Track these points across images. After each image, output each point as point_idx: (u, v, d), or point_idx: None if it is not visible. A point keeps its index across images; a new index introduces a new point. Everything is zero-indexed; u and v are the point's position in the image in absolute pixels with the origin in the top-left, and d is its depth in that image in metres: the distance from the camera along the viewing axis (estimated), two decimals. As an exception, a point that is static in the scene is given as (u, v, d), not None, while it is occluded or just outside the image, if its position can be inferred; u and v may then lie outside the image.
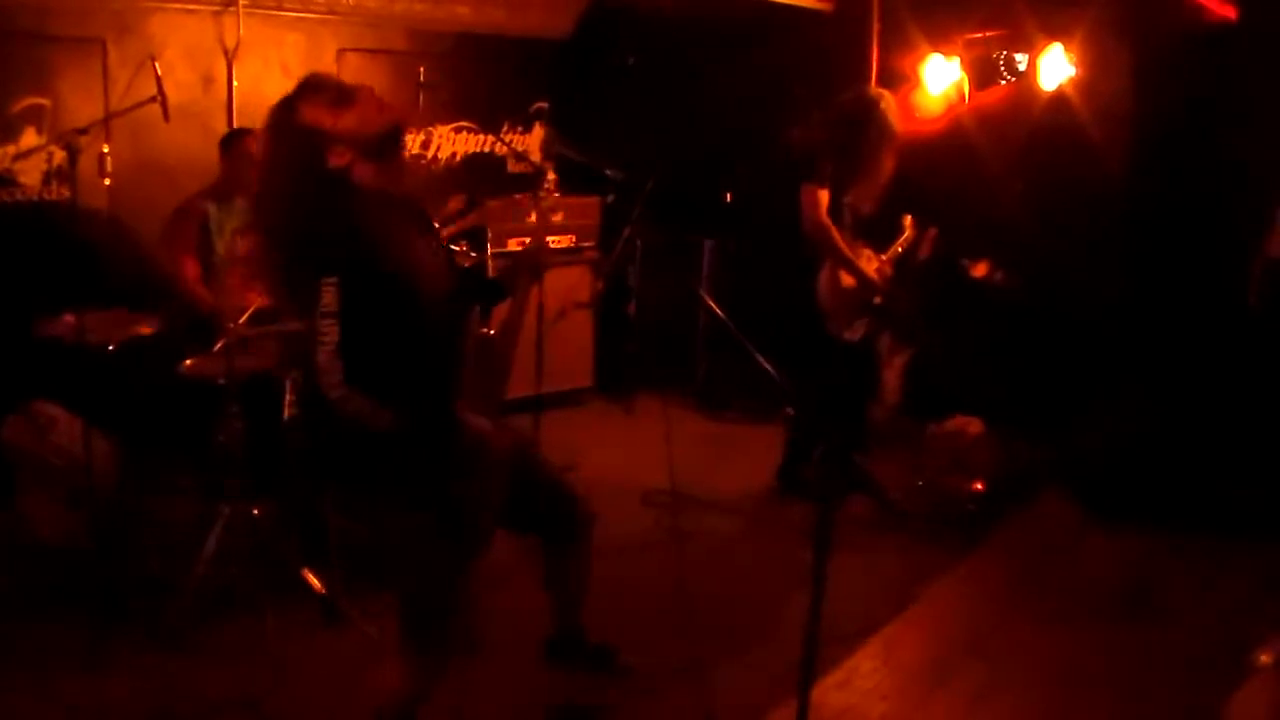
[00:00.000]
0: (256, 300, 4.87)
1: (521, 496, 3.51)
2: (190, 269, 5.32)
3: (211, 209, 5.41)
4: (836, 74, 6.54)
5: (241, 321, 4.68)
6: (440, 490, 3.15)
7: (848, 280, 5.61)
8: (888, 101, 5.61)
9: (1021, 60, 6.34)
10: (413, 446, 3.10)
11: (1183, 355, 6.23)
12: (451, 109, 7.57)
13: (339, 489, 3.61)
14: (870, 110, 5.56)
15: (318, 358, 2.93)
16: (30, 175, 5.83)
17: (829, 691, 4.19)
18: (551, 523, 3.75)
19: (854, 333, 5.75)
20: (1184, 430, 5.91)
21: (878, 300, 5.76)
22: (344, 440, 3.15)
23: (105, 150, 5.47)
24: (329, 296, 2.91)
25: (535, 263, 3.76)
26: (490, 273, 3.71)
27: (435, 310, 3.19)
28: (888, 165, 5.65)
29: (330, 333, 2.92)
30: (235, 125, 6.17)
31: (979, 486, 6.00)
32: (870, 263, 5.70)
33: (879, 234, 5.85)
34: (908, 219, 5.92)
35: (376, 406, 3.00)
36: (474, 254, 3.81)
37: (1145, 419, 6.04)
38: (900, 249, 5.87)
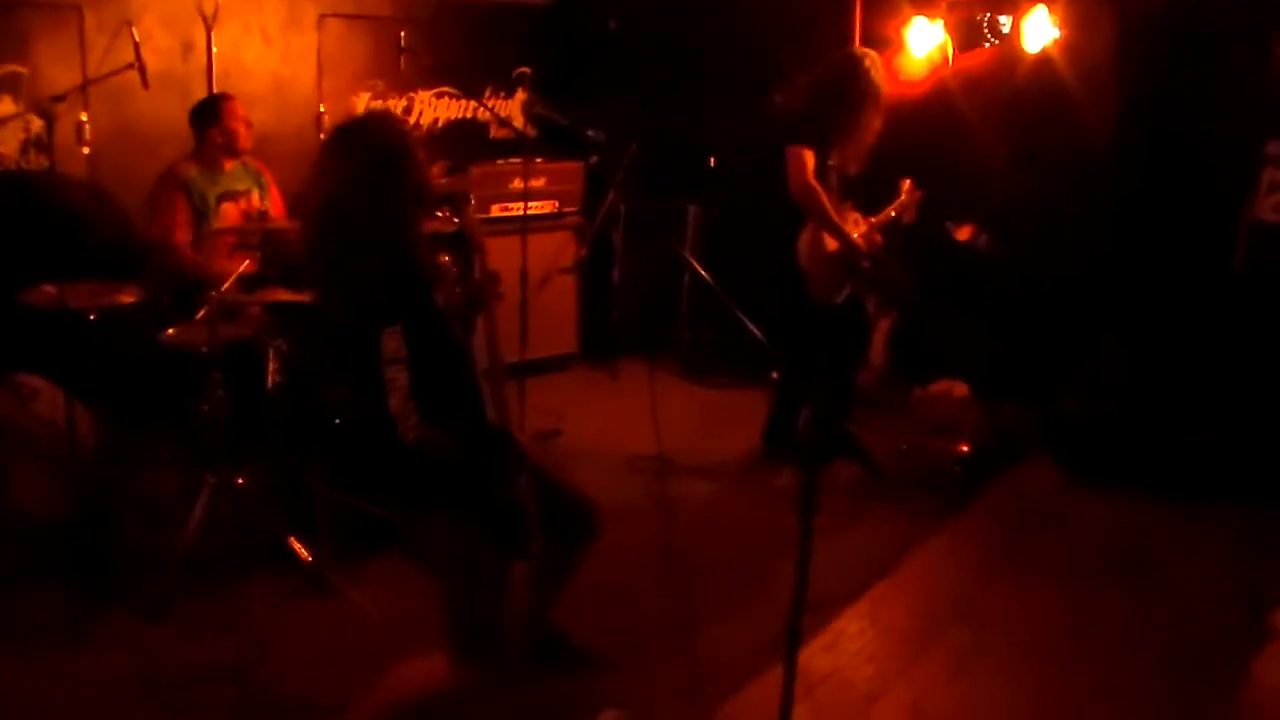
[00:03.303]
0: (240, 267, 4.86)
1: (542, 494, 3.53)
2: (181, 235, 5.28)
3: (194, 175, 5.37)
4: (820, 37, 6.50)
5: (225, 289, 4.66)
6: (493, 496, 3.28)
7: (831, 244, 5.59)
8: (872, 60, 5.57)
9: (1005, 22, 6.32)
10: (471, 462, 3.24)
11: (1168, 318, 6.24)
12: (433, 74, 7.51)
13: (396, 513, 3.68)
14: (855, 69, 5.52)
15: (391, 404, 3.06)
16: (7, 144, 5.76)
17: (816, 654, 4.21)
18: (565, 519, 3.71)
19: (837, 296, 5.72)
20: (1169, 393, 5.93)
21: (864, 264, 5.73)
22: (403, 466, 3.24)
23: (83, 118, 5.45)
24: (394, 344, 3.04)
25: (482, 296, 3.67)
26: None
27: (460, 333, 3.41)
28: (874, 125, 5.61)
29: (400, 379, 3.05)
30: (216, 93, 6.10)
31: (964, 449, 6.01)
32: (857, 226, 5.68)
33: (870, 197, 5.83)
34: (906, 183, 5.89)
35: (447, 438, 3.16)
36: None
37: (1130, 382, 6.06)
38: (892, 213, 5.84)
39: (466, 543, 3.26)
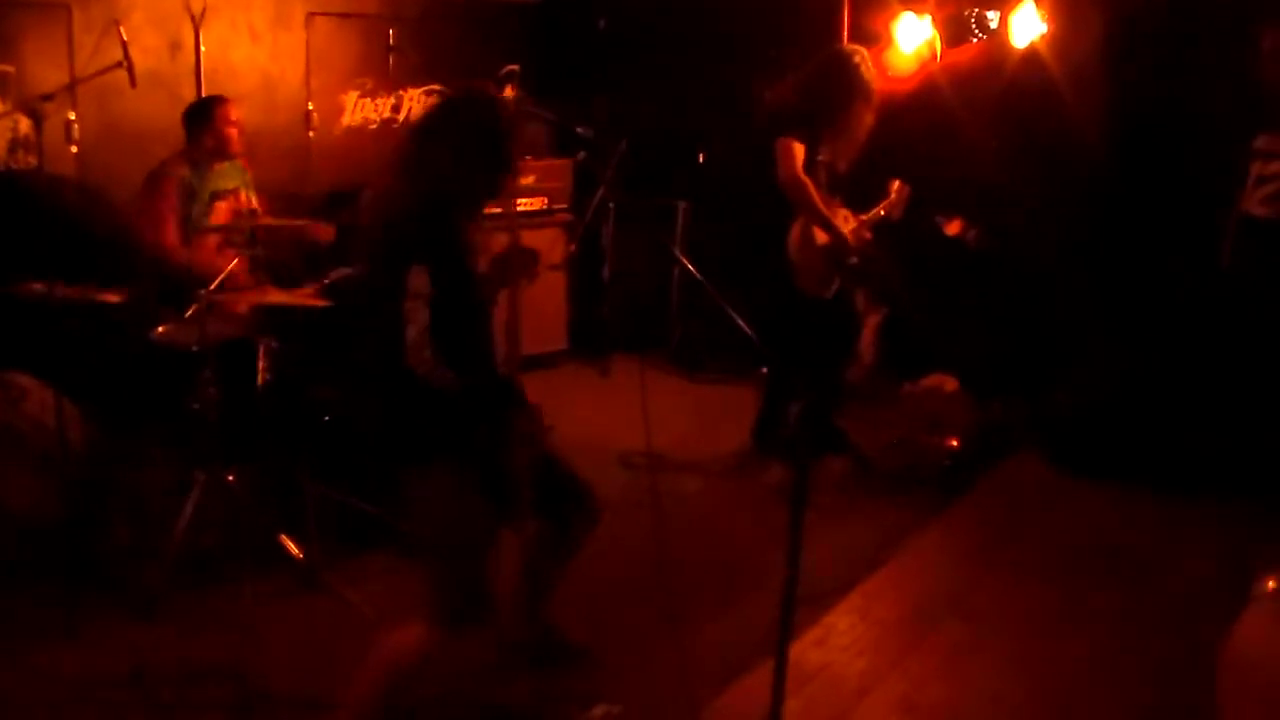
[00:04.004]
0: (230, 265, 4.86)
1: (542, 472, 3.56)
2: (171, 233, 5.27)
3: (188, 173, 5.36)
4: (809, 33, 6.51)
5: (214, 287, 4.65)
6: (493, 445, 3.39)
7: (821, 237, 5.59)
8: (863, 57, 5.58)
9: (993, 17, 6.33)
10: (478, 408, 3.39)
11: (1156, 312, 6.25)
12: (422, 72, 7.51)
13: (378, 466, 3.69)
14: (845, 66, 5.53)
15: (407, 334, 3.21)
16: (-5, 144, 5.77)
17: (807, 649, 4.22)
18: (566, 500, 3.75)
19: (827, 290, 5.72)
20: (1158, 387, 5.94)
21: (853, 260, 5.73)
22: (404, 409, 3.38)
23: (71, 117, 5.44)
24: (421, 281, 3.19)
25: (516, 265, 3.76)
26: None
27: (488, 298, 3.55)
28: (865, 122, 5.62)
29: (420, 314, 3.19)
30: (204, 92, 6.09)
31: (954, 444, 6.03)
32: (846, 223, 5.68)
33: (859, 195, 5.83)
34: (895, 183, 5.89)
35: (457, 376, 3.28)
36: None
37: (1119, 376, 6.07)
38: (881, 212, 5.84)
39: (459, 492, 3.33)
